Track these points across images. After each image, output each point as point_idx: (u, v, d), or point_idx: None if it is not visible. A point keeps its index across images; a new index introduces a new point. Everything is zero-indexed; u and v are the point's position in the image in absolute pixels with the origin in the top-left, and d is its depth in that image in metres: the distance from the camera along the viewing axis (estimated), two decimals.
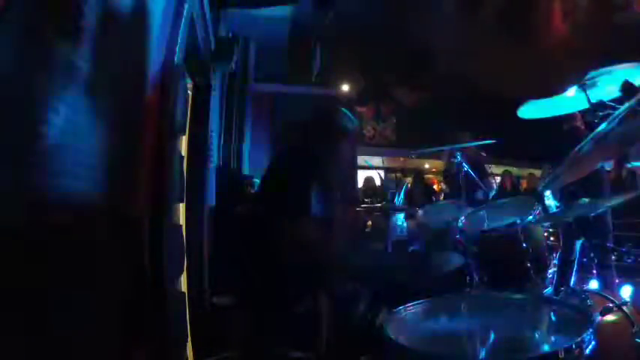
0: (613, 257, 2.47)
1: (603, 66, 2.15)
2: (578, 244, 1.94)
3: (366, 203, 5.42)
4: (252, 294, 1.80)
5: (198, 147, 3.07)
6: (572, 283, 2.01)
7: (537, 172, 9.33)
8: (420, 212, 3.46)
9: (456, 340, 1.23)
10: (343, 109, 2.13)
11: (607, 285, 2.32)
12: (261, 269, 1.76)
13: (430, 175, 11.11)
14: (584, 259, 2.07)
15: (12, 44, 0.77)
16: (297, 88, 6.36)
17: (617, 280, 2.44)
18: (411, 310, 1.42)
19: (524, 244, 2.06)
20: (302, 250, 1.65)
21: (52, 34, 0.92)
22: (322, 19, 4.49)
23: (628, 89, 1.74)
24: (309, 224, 1.68)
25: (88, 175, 1.13)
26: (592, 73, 2.18)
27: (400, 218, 4.77)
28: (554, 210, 2.74)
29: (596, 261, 2.10)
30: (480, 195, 4.08)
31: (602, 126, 1.43)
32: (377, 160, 11.44)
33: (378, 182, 6.96)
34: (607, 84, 2.18)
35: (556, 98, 2.42)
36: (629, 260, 2.34)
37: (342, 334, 1.83)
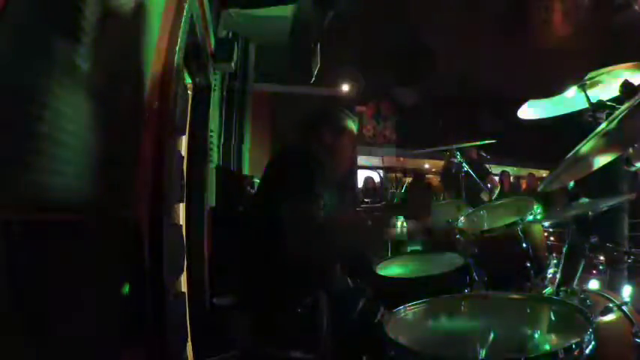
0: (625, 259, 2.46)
1: (603, 66, 2.15)
2: (584, 244, 1.94)
3: (366, 203, 5.42)
4: (252, 294, 1.80)
5: (198, 147, 3.07)
6: (573, 283, 2.01)
7: (537, 172, 9.33)
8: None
9: (456, 340, 1.23)
10: (344, 108, 2.13)
11: (613, 287, 2.31)
12: (261, 269, 1.76)
13: (430, 175, 11.10)
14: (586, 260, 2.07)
15: (12, 43, 0.77)
16: (297, 88, 6.36)
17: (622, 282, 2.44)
18: (411, 310, 1.42)
19: (524, 244, 2.06)
20: (302, 250, 1.65)
21: (52, 34, 0.92)
22: (323, 19, 4.49)
23: (628, 89, 1.74)
24: (309, 224, 1.68)
25: (88, 175, 1.13)
26: (592, 73, 2.18)
27: (400, 218, 4.77)
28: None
29: (602, 261, 2.10)
30: (483, 195, 4.09)
31: (602, 126, 1.43)
32: (377, 160, 11.43)
33: (377, 182, 6.97)
34: (607, 84, 2.17)
35: (556, 98, 2.42)
36: (629, 260, 2.34)
37: (342, 334, 1.83)
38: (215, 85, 3.62)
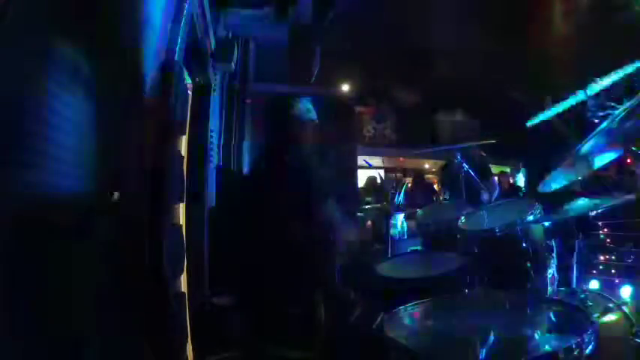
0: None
1: (603, 66, 2.15)
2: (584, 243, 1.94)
3: (367, 203, 5.42)
4: (252, 294, 1.80)
5: (198, 147, 3.07)
6: (572, 283, 2.01)
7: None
8: (420, 212, 3.46)
9: (456, 340, 1.23)
10: (301, 100, 2.02)
11: (613, 286, 2.31)
12: (261, 269, 1.76)
13: (430, 175, 11.10)
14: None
15: (12, 43, 0.77)
16: (297, 88, 6.34)
17: (617, 280, 2.44)
18: (411, 310, 1.42)
19: (524, 244, 2.06)
20: (301, 250, 1.65)
21: (52, 34, 0.92)
22: (323, 19, 4.49)
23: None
24: (301, 223, 1.68)
25: (87, 175, 1.13)
26: (592, 74, 2.18)
27: (400, 218, 4.76)
28: None
29: (602, 260, 2.10)
30: (483, 196, 4.08)
31: (603, 125, 1.43)
32: (377, 160, 11.42)
33: (378, 182, 6.95)
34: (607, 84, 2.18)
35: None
36: (629, 260, 2.34)
37: (341, 333, 1.83)
38: (215, 85, 3.61)
